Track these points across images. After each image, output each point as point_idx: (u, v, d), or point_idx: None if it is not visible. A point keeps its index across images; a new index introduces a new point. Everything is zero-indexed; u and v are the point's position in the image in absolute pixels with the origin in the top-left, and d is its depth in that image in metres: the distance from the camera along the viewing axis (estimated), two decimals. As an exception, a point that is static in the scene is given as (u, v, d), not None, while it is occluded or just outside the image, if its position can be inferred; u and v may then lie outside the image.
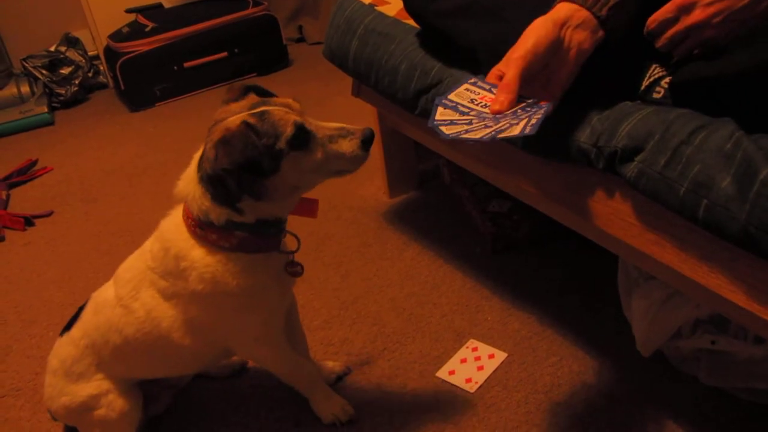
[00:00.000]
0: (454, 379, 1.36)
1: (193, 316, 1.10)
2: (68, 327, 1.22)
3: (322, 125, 1.02)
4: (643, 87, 1.04)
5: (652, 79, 1.04)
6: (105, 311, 1.15)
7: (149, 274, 1.10)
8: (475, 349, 1.42)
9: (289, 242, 1.14)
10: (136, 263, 1.13)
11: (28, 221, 2.14)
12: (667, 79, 1.02)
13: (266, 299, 1.12)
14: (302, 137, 0.98)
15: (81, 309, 1.22)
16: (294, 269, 1.13)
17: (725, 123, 0.90)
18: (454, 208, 1.91)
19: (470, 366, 1.38)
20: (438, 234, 1.81)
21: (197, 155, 1.04)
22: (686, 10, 0.93)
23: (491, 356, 1.40)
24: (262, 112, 0.98)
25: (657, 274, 1.12)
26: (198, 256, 1.04)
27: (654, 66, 1.04)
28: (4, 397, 1.46)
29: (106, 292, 1.17)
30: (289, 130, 0.96)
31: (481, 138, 0.90)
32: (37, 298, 1.77)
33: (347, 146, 1.02)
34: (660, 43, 0.98)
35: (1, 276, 1.90)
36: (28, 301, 1.77)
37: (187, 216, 1.05)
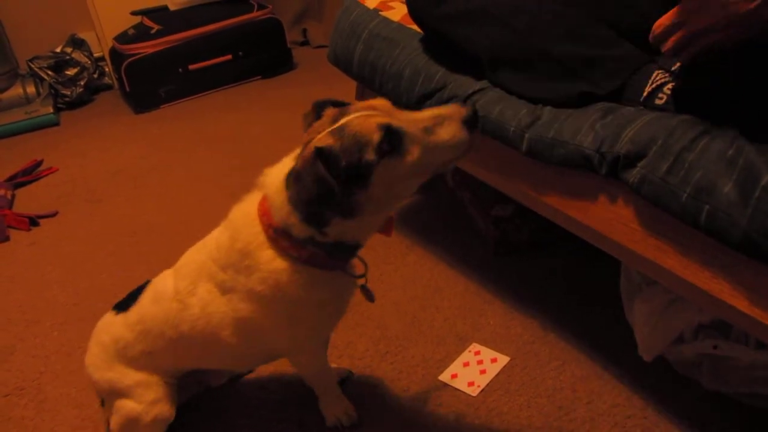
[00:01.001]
0: (456, 383, 1.36)
1: (244, 316, 1.06)
2: (123, 306, 1.20)
3: (414, 117, 0.92)
4: (645, 93, 1.05)
5: (654, 85, 1.04)
6: (163, 303, 1.13)
7: (209, 266, 1.07)
8: (477, 353, 1.42)
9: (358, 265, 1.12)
10: (197, 256, 1.11)
11: (33, 221, 2.15)
12: (669, 86, 1.03)
13: (321, 315, 1.10)
14: (393, 140, 0.89)
15: (140, 289, 1.20)
16: (367, 294, 1.12)
17: (727, 129, 0.90)
18: (457, 211, 1.92)
19: (473, 370, 1.39)
20: (441, 238, 1.82)
21: (288, 159, 0.98)
22: (692, 14, 0.93)
23: (494, 360, 1.40)
24: (342, 127, 0.90)
25: (659, 279, 1.12)
26: (266, 258, 1.00)
27: (657, 72, 1.05)
28: (7, 396, 1.46)
29: (166, 281, 1.14)
30: (375, 137, 0.88)
31: None
32: (41, 298, 1.78)
33: (447, 133, 0.91)
34: (666, 47, 0.99)
35: (6, 276, 1.91)
36: (32, 300, 1.78)
37: (264, 213, 1.00)
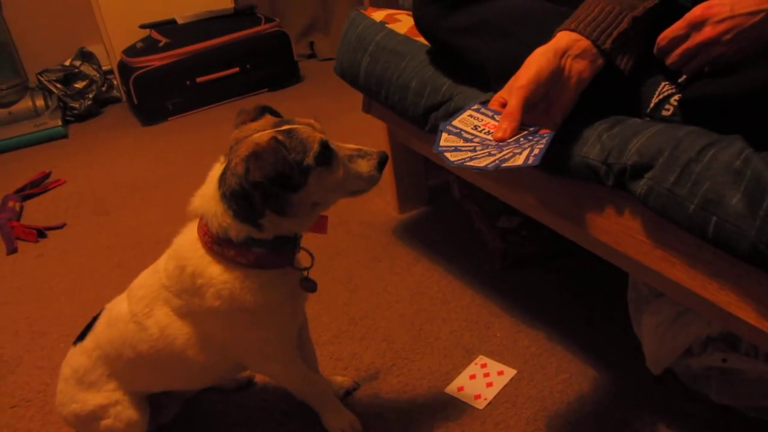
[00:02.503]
0: (463, 396, 1.35)
1: (208, 333, 1.10)
2: (82, 336, 1.23)
3: (341, 145, 1.05)
4: (652, 104, 1.05)
5: (661, 96, 1.04)
6: (118, 325, 1.15)
7: (163, 293, 1.10)
8: (484, 366, 1.42)
9: (303, 259, 1.14)
10: (149, 281, 1.14)
11: (41, 233, 2.16)
12: (676, 97, 1.03)
13: (280, 316, 1.12)
14: (327, 155, 1.00)
15: (95, 319, 1.23)
16: (308, 285, 1.14)
17: (734, 140, 0.90)
18: (463, 223, 1.92)
19: (479, 382, 1.38)
20: (447, 249, 1.82)
21: (213, 173, 1.04)
22: (697, 27, 0.94)
23: (500, 373, 1.39)
24: (290, 130, 1.00)
25: (667, 291, 1.12)
26: (215, 272, 1.04)
27: (664, 83, 1.05)
28: (14, 408, 1.46)
29: (120, 305, 1.17)
30: (316, 147, 0.99)
31: (486, 166, 0.93)
32: (48, 310, 1.79)
33: (365, 166, 1.06)
34: (670, 60, 0.99)
35: (13, 287, 1.91)
36: (39, 312, 1.78)
37: (204, 232, 1.05)
